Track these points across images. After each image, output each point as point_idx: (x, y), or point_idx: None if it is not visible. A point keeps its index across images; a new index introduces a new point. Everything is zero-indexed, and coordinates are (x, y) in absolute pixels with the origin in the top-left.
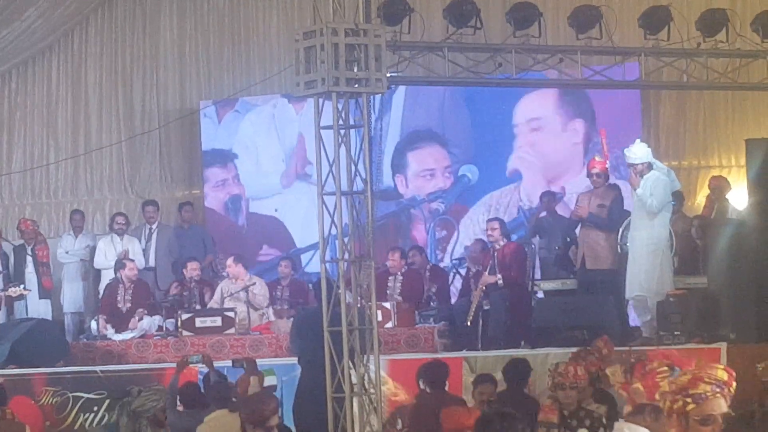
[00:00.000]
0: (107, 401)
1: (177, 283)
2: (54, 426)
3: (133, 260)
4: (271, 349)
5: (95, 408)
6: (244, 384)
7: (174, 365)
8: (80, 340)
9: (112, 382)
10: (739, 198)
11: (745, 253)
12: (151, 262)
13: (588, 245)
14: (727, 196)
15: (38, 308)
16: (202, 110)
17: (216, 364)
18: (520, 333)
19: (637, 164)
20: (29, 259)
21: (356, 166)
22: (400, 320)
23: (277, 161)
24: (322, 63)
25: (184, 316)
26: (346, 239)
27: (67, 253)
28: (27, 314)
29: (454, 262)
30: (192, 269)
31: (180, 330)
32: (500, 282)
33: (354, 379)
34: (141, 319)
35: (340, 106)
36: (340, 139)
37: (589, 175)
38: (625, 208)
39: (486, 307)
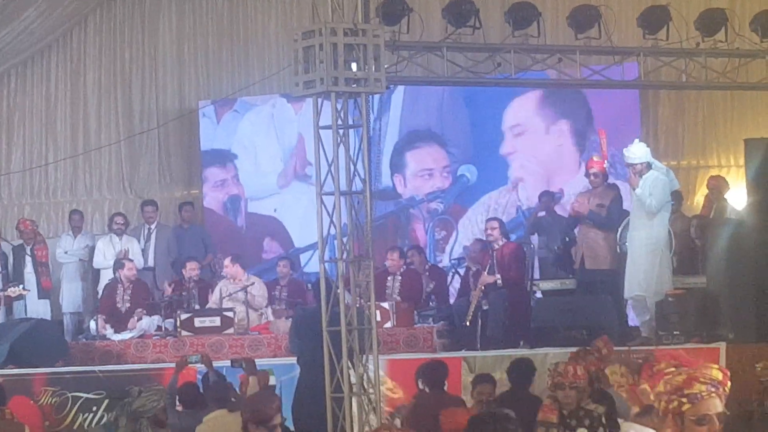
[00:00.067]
0: (106, 401)
1: (171, 283)
2: (53, 426)
3: (132, 260)
4: (269, 349)
5: (94, 408)
6: (246, 384)
7: (173, 365)
8: (79, 340)
9: (111, 382)
10: (737, 198)
11: (744, 252)
12: (150, 262)
13: (587, 245)
14: (725, 196)
15: (37, 308)
16: (201, 110)
17: (215, 364)
18: (519, 333)
19: (636, 164)
20: (28, 259)
21: (355, 166)
22: (399, 320)
23: (276, 161)
24: (320, 63)
25: (183, 316)
26: (344, 239)
27: (66, 253)
28: (26, 314)
29: (453, 261)
30: (191, 269)
31: (179, 330)
32: (499, 282)
33: (353, 379)
34: (140, 319)
35: (338, 106)
36: (338, 139)
37: (587, 174)
38: (624, 207)
39: (485, 307)
